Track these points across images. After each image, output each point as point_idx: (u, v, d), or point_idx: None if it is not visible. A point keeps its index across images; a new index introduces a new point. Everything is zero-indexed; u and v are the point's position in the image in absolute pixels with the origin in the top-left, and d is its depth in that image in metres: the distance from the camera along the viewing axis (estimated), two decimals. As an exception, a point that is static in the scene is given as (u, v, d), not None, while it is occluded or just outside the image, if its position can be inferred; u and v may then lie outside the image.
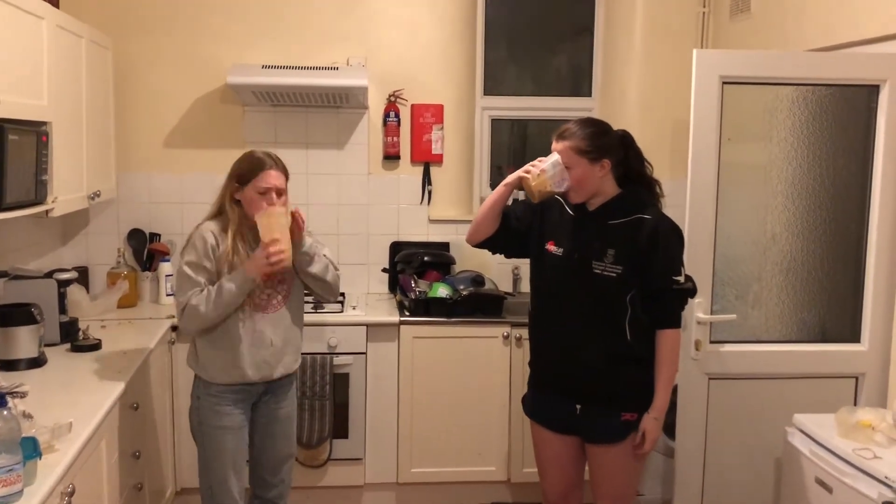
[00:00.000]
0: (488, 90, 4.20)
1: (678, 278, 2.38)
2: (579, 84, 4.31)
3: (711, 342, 2.87)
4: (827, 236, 2.97)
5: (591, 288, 2.41)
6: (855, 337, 2.93)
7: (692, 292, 2.45)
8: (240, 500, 2.61)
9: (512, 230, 2.59)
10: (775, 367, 2.91)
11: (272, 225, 2.44)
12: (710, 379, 2.88)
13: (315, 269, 2.62)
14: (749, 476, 2.96)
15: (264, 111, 3.96)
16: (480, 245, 2.63)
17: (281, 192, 2.55)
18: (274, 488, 2.78)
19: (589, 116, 2.57)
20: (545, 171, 2.39)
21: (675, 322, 2.42)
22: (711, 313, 2.85)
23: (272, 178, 2.54)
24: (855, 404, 2.93)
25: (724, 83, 2.76)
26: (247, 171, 2.55)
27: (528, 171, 2.43)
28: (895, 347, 2.86)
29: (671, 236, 2.40)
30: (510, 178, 2.50)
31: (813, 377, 2.92)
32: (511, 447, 3.65)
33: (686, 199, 2.82)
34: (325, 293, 2.73)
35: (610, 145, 2.43)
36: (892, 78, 2.78)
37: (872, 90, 2.82)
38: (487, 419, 3.63)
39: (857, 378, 2.93)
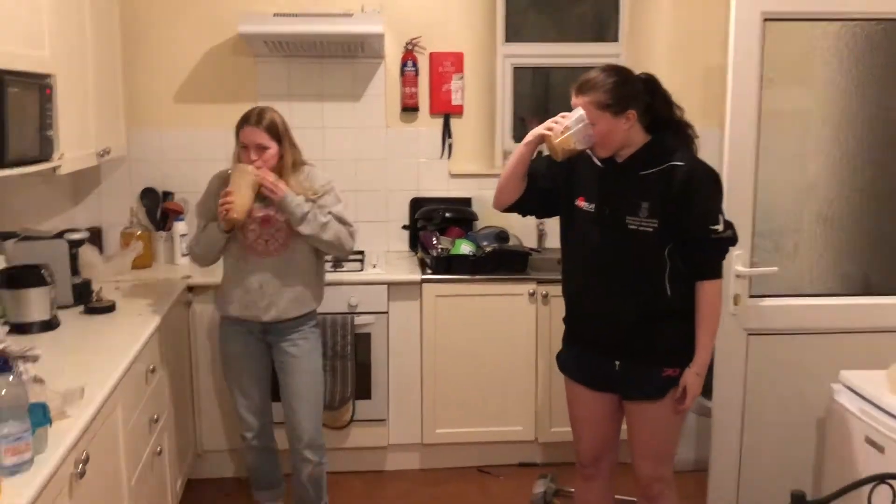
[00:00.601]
0: (510, 37, 4.02)
1: (716, 227, 2.24)
2: (604, 29, 4.12)
3: (751, 296, 2.73)
4: (874, 184, 2.81)
5: (628, 244, 2.28)
6: (903, 289, 2.79)
7: (732, 241, 2.30)
8: (251, 420, 2.91)
9: (540, 190, 2.46)
10: (818, 322, 2.77)
11: (234, 179, 2.64)
12: (749, 335, 2.75)
13: (306, 229, 2.70)
14: (789, 435, 2.84)
15: (277, 62, 3.81)
16: (508, 209, 2.52)
17: (263, 148, 2.68)
18: (297, 439, 2.87)
19: (608, 64, 2.40)
20: (569, 127, 2.25)
21: (715, 273, 2.28)
22: (751, 266, 2.70)
23: (247, 134, 2.68)
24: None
25: (766, 20, 2.58)
26: (237, 126, 2.74)
27: (550, 128, 2.29)
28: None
29: (707, 182, 2.26)
30: (531, 135, 2.37)
31: (858, 332, 2.78)
32: (538, 406, 3.55)
33: (724, 146, 2.65)
34: (329, 251, 2.85)
35: (633, 94, 2.27)
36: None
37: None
38: (513, 378, 3.53)
39: (904, 331, 2.79)
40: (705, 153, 2.48)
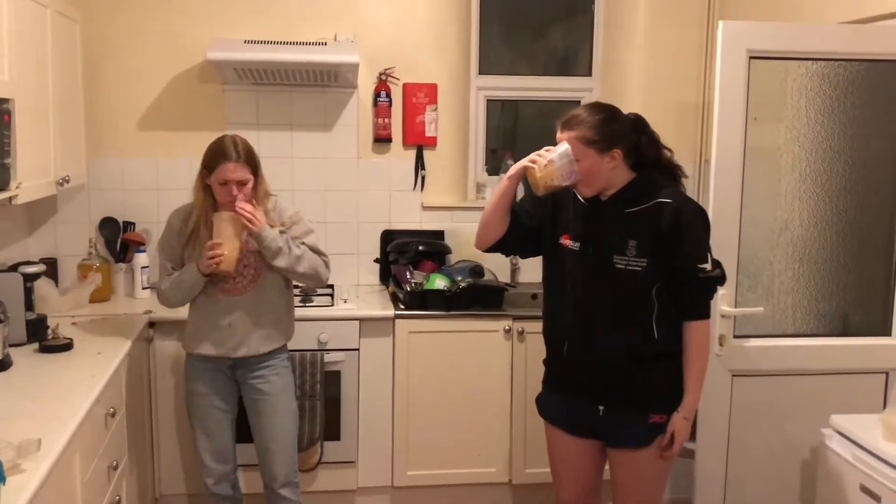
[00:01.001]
0: (483, 69, 3.98)
1: (705, 265, 2.18)
2: (578, 63, 4.10)
3: (735, 337, 2.68)
4: (851, 223, 2.79)
5: (615, 284, 2.21)
6: (885, 330, 2.76)
7: (721, 280, 2.25)
8: (214, 466, 2.76)
9: (524, 227, 2.38)
10: (801, 363, 2.72)
11: (219, 228, 2.51)
12: (733, 376, 2.69)
13: (280, 262, 2.61)
14: (774, 478, 2.79)
15: (246, 90, 3.69)
16: (492, 248, 2.42)
17: (244, 183, 2.55)
18: (272, 479, 2.78)
19: (597, 101, 2.36)
20: (553, 161, 2.18)
21: (703, 313, 2.22)
22: (735, 306, 2.65)
23: (229, 171, 2.52)
24: (885, 402, 2.76)
25: (752, 58, 2.56)
26: (209, 160, 2.57)
27: (533, 161, 2.21)
28: (928, 340, 2.71)
29: (696, 220, 2.20)
30: (513, 168, 2.29)
31: (840, 373, 2.74)
32: (513, 447, 3.45)
33: (710, 184, 2.61)
34: (304, 283, 2.82)
35: (620, 133, 2.21)
36: (929, 53, 2.60)
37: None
38: (488, 418, 3.43)
39: (887, 374, 2.76)
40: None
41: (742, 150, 2.59)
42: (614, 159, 2.20)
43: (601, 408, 2.26)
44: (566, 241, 2.30)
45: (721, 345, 2.63)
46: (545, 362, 2.43)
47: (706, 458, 2.73)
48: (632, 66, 3.93)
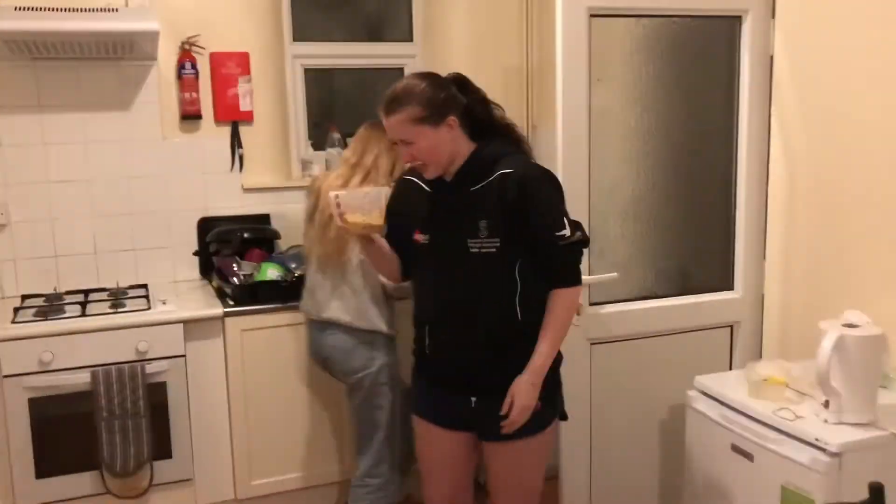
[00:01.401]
0: (298, 36, 3.65)
1: (563, 232, 2.02)
2: (398, 28, 3.88)
3: (590, 304, 2.61)
4: (687, 180, 2.80)
5: (471, 270, 2.04)
6: (727, 284, 2.80)
7: (585, 242, 2.11)
8: None
9: (407, 248, 2.21)
10: (651, 325, 2.71)
11: None
12: (591, 344, 2.63)
13: None
14: (637, 442, 2.77)
15: (21, 66, 3.15)
16: (406, 280, 2.32)
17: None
18: None
19: (411, 73, 2.18)
20: (346, 210, 2.05)
21: (571, 279, 2.07)
22: (589, 273, 2.57)
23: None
24: (731, 354, 2.82)
25: (592, 16, 2.45)
26: None
27: (341, 219, 2.07)
28: (768, 291, 2.77)
29: (542, 185, 2.02)
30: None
31: (690, 331, 2.76)
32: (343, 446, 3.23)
33: (557, 148, 2.50)
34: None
35: (448, 98, 2.03)
36: (755, 8, 2.62)
37: (735, 22, 2.66)
38: (336, 412, 3.19)
39: (731, 327, 2.82)
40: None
41: (587, 112, 2.49)
42: (451, 128, 2.02)
43: (472, 399, 2.10)
44: (417, 237, 2.13)
45: (578, 314, 2.55)
46: (413, 353, 2.24)
47: (570, 428, 2.66)
48: (454, 30, 3.77)
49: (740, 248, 2.75)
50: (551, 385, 2.09)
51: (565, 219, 2.04)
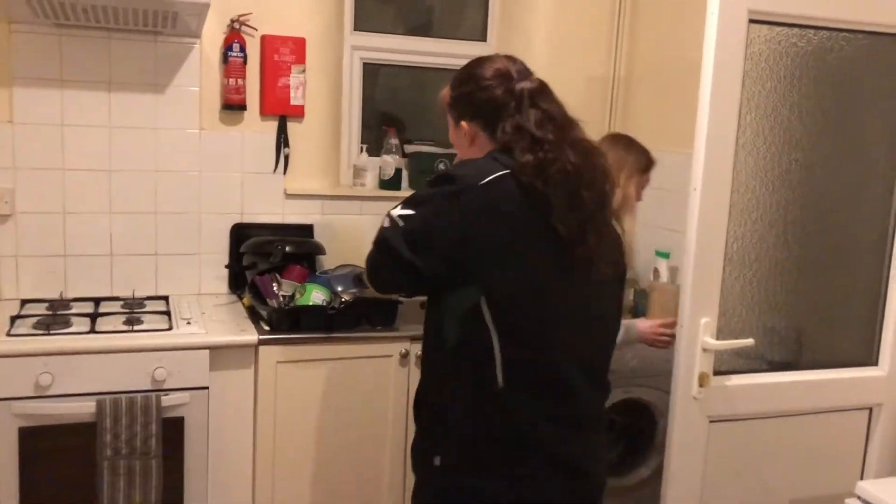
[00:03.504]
0: (359, 25, 3.20)
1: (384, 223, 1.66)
2: (473, 26, 3.42)
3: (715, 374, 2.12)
4: (835, 234, 2.31)
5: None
6: (870, 359, 2.32)
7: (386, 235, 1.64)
8: None
9: None
10: (780, 403, 2.22)
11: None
12: (710, 422, 2.14)
13: None
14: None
15: (44, 33, 2.70)
16: None
17: None
18: None
19: (501, 54, 1.75)
20: None
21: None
22: (717, 338, 2.09)
23: None
24: (866, 444, 2.34)
25: (752, 21, 1.98)
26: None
27: None
28: (920, 370, 2.30)
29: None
30: None
31: (819, 412, 2.28)
32: (406, 500, 2.75)
33: (693, 178, 2.02)
34: None
35: (472, 97, 1.66)
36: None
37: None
38: (379, 466, 2.71)
39: (871, 410, 2.33)
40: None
41: (735, 138, 2.02)
42: (464, 133, 1.69)
43: None
44: None
45: (702, 385, 2.07)
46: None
47: None
48: (534, 31, 3.32)
49: (891, 315, 2.27)
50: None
51: (397, 212, 1.62)
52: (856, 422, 2.33)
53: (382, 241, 1.63)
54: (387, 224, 1.62)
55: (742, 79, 1.99)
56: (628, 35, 3.37)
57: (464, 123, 1.69)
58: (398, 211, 1.60)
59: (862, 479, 2.33)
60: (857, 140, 2.26)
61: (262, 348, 2.53)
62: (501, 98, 1.62)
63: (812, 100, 2.13)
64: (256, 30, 2.92)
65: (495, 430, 1.57)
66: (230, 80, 2.88)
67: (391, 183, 3.16)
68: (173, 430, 2.45)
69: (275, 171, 3.03)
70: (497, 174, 1.54)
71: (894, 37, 2.16)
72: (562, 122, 1.61)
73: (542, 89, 1.65)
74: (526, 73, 1.67)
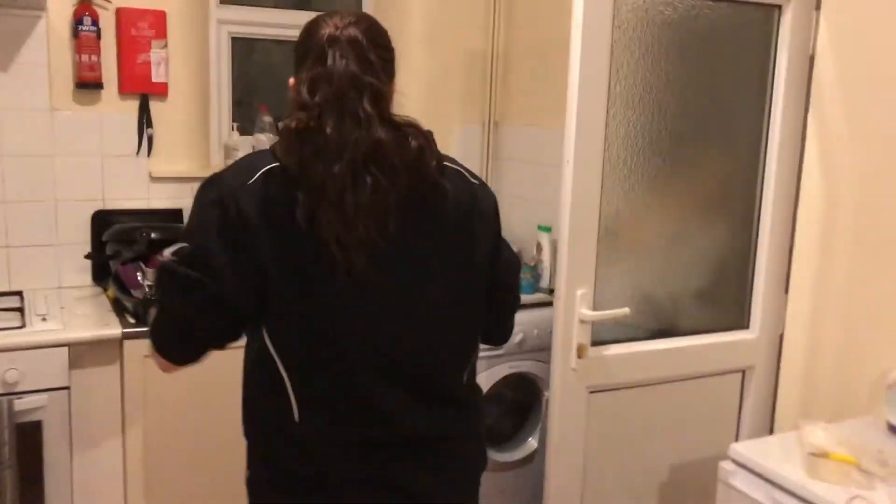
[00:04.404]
0: (225, -3, 3.04)
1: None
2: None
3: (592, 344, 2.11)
4: (705, 199, 2.35)
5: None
6: (742, 323, 2.37)
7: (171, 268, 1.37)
8: None
9: None
10: (657, 371, 2.24)
11: None
12: (590, 392, 2.14)
13: None
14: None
15: None
16: None
17: None
18: None
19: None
20: None
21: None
22: (594, 308, 2.08)
23: None
24: (741, 402, 2.40)
25: (618, -10, 1.96)
26: None
27: None
28: (790, 331, 2.36)
29: None
30: None
31: (697, 377, 2.32)
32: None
33: (566, 152, 1.99)
34: None
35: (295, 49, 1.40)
36: (795, -2, 2.19)
37: (772, 13, 2.22)
38: (259, 459, 2.60)
39: (743, 372, 2.39)
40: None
41: (604, 113, 2.00)
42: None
43: None
44: None
45: (581, 356, 2.06)
46: None
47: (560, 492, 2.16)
48: (411, 6, 3.24)
49: (760, 277, 2.33)
50: None
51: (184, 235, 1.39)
52: (730, 385, 2.38)
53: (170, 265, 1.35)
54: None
55: (611, 48, 1.97)
56: (505, 11, 3.32)
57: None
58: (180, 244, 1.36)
59: (737, 440, 2.39)
60: (724, 107, 2.29)
61: (127, 342, 2.37)
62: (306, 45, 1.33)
63: (680, 68, 2.14)
64: (110, 2, 2.72)
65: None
66: (83, 56, 2.67)
67: (265, 163, 3.01)
68: (30, 435, 2.27)
69: (138, 153, 2.84)
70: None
71: (754, 4, 2.19)
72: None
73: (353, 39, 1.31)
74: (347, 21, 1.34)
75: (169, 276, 1.35)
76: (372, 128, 1.27)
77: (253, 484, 1.50)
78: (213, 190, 1.35)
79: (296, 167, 1.28)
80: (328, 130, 1.26)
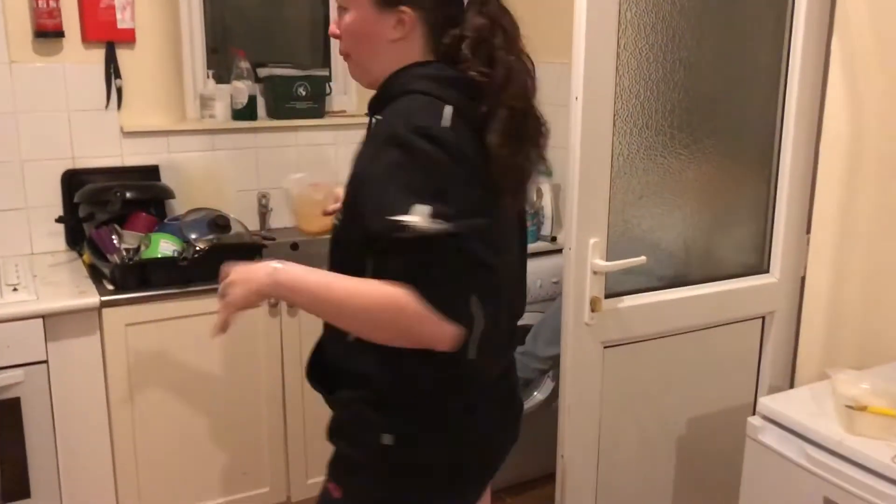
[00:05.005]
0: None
1: (400, 219, 1.16)
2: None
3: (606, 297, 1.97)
4: (721, 139, 2.17)
5: (330, 254, 1.36)
6: (761, 267, 2.23)
7: (441, 237, 1.17)
8: None
9: None
10: (674, 322, 2.11)
11: None
12: (605, 348, 2.01)
13: None
14: (650, 461, 2.20)
15: None
16: None
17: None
18: None
19: None
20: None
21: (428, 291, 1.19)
22: (607, 258, 1.93)
23: None
24: (760, 351, 2.28)
25: None
26: None
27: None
28: (811, 275, 2.22)
29: (391, 147, 1.21)
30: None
31: (716, 325, 2.18)
32: (289, 456, 2.55)
33: (574, 87, 1.82)
34: None
35: None
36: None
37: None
38: (253, 425, 2.48)
39: (763, 318, 2.26)
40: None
41: (615, 39, 1.82)
42: (402, 24, 1.29)
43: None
44: None
45: (594, 310, 1.91)
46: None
47: (575, 454, 2.05)
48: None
49: (781, 217, 2.18)
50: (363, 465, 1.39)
51: (409, 200, 1.17)
52: (750, 333, 2.25)
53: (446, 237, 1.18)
54: (417, 220, 1.16)
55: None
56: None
57: (406, 8, 1.27)
58: (410, 204, 1.17)
59: (756, 390, 2.28)
60: (742, 35, 2.11)
61: (105, 311, 2.22)
62: None
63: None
64: (66, -60, 2.49)
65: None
66: (40, 1, 2.46)
67: (245, 113, 2.83)
68: (8, 413, 2.13)
69: (107, 106, 2.64)
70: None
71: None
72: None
73: None
74: None
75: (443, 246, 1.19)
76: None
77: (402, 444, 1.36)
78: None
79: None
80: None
